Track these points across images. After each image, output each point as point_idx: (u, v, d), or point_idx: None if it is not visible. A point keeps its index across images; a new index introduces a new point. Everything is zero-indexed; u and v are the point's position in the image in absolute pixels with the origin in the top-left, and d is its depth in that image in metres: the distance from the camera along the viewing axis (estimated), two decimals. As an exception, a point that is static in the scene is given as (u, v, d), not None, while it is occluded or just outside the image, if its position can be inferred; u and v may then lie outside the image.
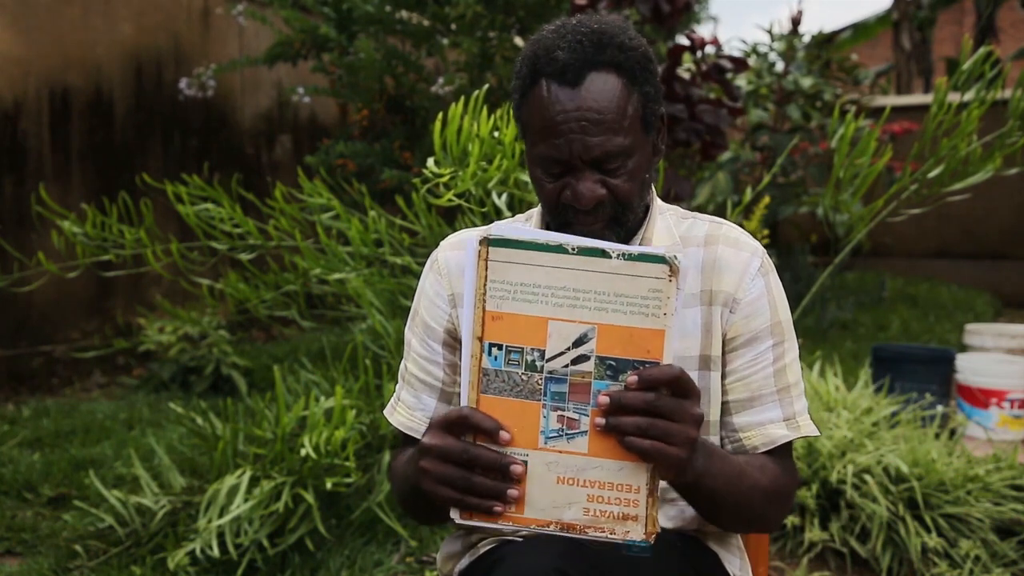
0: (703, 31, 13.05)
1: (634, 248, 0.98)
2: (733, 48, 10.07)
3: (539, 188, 1.23)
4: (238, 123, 5.90)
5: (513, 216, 1.47)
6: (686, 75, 4.38)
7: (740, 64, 4.50)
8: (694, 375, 1.24)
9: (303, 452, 2.43)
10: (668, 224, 1.30)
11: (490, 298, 1.01)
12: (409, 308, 1.42)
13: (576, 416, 1.00)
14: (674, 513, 1.27)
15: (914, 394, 3.46)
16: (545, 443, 1.01)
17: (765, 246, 1.35)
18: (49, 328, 4.82)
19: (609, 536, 1.03)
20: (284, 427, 2.47)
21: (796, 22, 6.54)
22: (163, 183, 3.16)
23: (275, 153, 6.17)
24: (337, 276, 2.81)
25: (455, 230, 2.72)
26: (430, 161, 2.33)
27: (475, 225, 2.58)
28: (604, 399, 1.00)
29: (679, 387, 1.01)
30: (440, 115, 2.31)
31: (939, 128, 2.78)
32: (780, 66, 6.75)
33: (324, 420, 2.56)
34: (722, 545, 1.32)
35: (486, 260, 1.00)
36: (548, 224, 1.27)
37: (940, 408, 3.50)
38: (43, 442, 3.70)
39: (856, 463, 2.72)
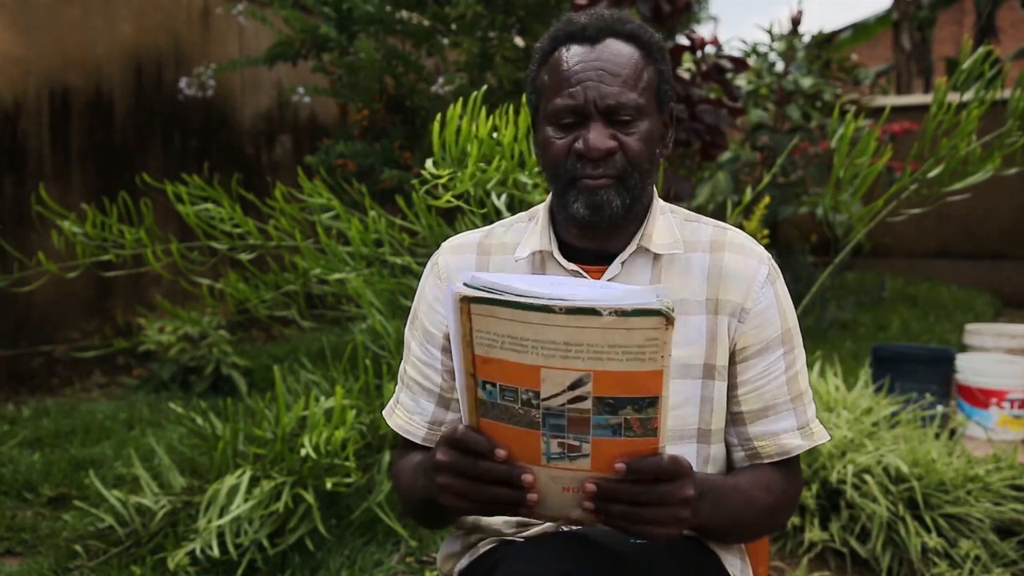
0: (703, 31, 13.05)
1: (626, 303, 0.91)
2: (733, 48, 10.07)
3: (548, 149, 1.23)
4: (238, 123, 5.90)
5: (512, 216, 1.47)
6: (686, 75, 4.38)
7: (740, 64, 4.50)
8: (697, 383, 1.24)
9: (303, 452, 2.43)
10: (670, 223, 1.29)
11: (477, 344, 0.96)
12: (409, 308, 1.42)
13: (577, 443, 0.98)
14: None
15: (914, 394, 3.46)
16: (547, 462, 1.00)
17: (765, 246, 1.35)
18: (49, 328, 4.82)
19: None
20: (284, 427, 2.47)
21: (796, 22, 6.54)
22: (163, 183, 3.16)
23: (275, 153, 6.17)
24: (337, 276, 2.81)
25: (455, 230, 2.73)
26: (428, 162, 2.33)
27: (475, 225, 2.58)
28: (591, 487, 0.98)
29: (669, 474, 0.99)
30: (439, 116, 2.31)
31: (939, 128, 2.78)
32: (780, 66, 6.75)
33: (324, 420, 2.56)
34: (722, 546, 1.32)
35: (468, 314, 0.95)
36: (554, 199, 1.25)
37: (940, 408, 3.50)
38: (43, 442, 3.70)
39: (856, 463, 2.72)
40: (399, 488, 1.34)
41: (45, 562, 2.56)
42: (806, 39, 6.86)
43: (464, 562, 1.33)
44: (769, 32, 6.67)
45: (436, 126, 2.28)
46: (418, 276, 2.81)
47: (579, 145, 1.19)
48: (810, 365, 3.57)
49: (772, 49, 6.71)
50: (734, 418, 1.27)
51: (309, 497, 2.44)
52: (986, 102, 2.79)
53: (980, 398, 3.51)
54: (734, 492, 1.19)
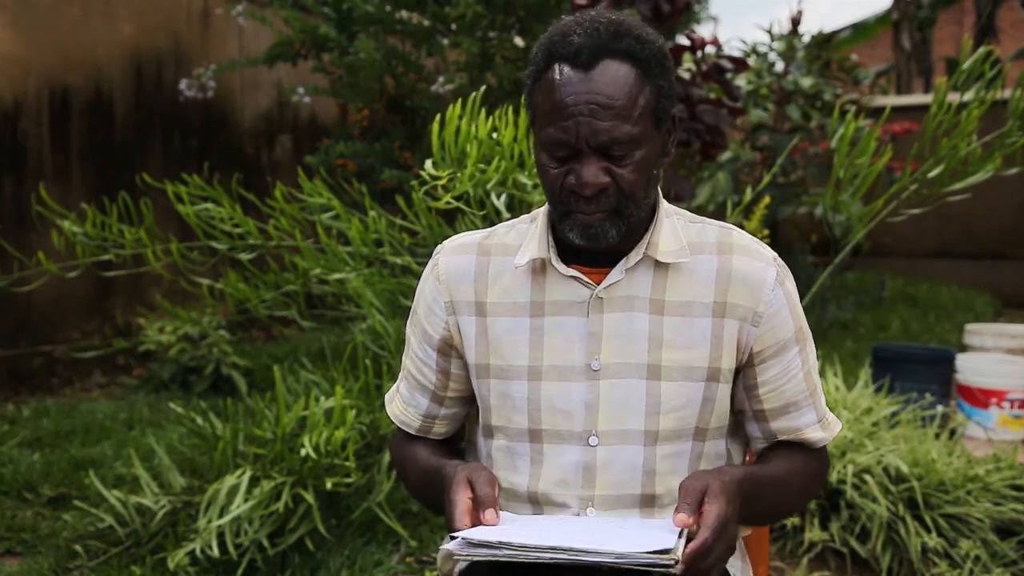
0: (703, 31, 13.05)
1: (630, 560, 0.99)
2: (733, 48, 10.07)
3: (543, 175, 1.21)
4: (238, 123, 5.90)
5: (512, 217, 1.47)
6: (686, 75, 4.38)
7: (740, 64, 4.50)
8: (700, 386, 1.24)
9: (303, 452, 2.43)
10: (675, 227, 1.27)
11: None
12: (409, 307, 1.42)
13: None
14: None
15: (914, 394, 3.46)
16: None
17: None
18: (49, 328, 4.82)
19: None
20: (284, 427, 2.47)
21: (796, 22, 6.54)
22: (163, 183, 3.16)
23: (275, 153, 6.17)
24: (337, 276, 2.80)
25: (455, 230, 2.73)
26: (428, 163, 2.32)
27: (475, 225, 2.57)
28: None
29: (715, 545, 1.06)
30: (439, 116, 2.31)
31: (939, 128, 2.78)
32: (780, 66, 6.75)
33: (324, 420, 2.56)
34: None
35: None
36: (552, 216, 1.26)
37: (940, 408, 3.50)
38: (43, 442, 3.70)
39: (856, 463, 2.71)
40: (402, 475, 1.41)
41: (45, 562, 2.56)
42: (806, 39, 6.86)
43: (464, 562, 1.33)
44: (769, 32, 6.66)
45: (436, 127, 2.28)
46: (418, 276, 2.80)
47: (571, 180, 1.17)
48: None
49: (772, 49, 6.71)
50: (756, 415, 1.30)
51: (309, 497, 2.44)
52: (986, 102, 2.79)
53: (980, 398, 3.51)
54: (771, 483, 1.23)
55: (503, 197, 2.60)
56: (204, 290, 3.38)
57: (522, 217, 1.37)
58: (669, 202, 1.33)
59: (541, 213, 1.31)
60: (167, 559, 2.41)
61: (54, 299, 4.74)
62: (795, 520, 2.71)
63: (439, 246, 1.37)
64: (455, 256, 1.33)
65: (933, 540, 2.52)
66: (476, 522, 1.12)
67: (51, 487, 3.16)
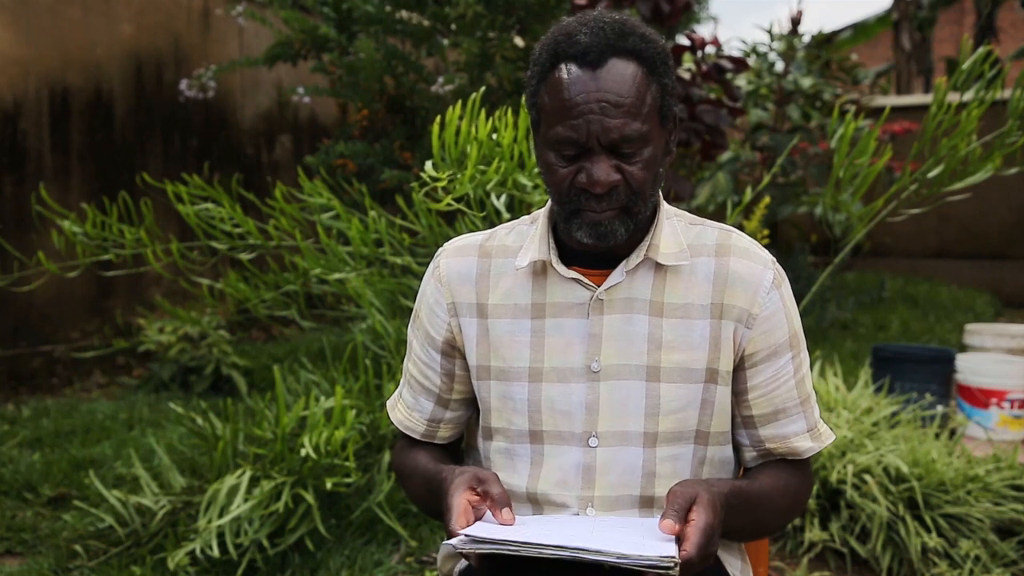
0: (703, 31, 13.04)
1: (631, 561, 0.99)
2: (733, 48, 10.07)
3: (550, 174, 1.20)
4: (238, 123, 5.90)
5: (512, 219, 1.47)
6: (686, 75, 4.38)
7: (740, 64, 4.50)
8: (699, 387, 1.24)
9: (303, 452, 2.43)
10: (675, 230, 1.27)
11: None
12: (409, 308, 1.43)
13: None
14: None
15: (914, 394, 3.46)
16: None
17: (765, 246, 1.35)
18: (49, 328, 4.82)
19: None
20: (284, 427, 2.47)
21: (796, 22, 6.54)
22: (163, 183, 3.16)
23: (275, 153, 6.17)
24: (337, 276, 2.81)
25: (455, 230, 2.73)
26: (428, 164, 2.32)
27: (475, 226, 2.57)
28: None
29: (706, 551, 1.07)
30: (439, 117, 2.31)
31: (939, 128, 2.78)
32: (780, 66, 6.75)
33: (324, 420, 2.56)
34: (722, 546, 1.32)
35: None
36: (557, 217, 1.25)
37: (940, 408, 3.50)
38: (43, 442, 3.70)
39: (856, 463, 2.71)
40: (404, 484, 1.39)
41: (45, 562, 2.56)
42: (806, 39, 6.86)
43: (464, 562, 1.33)
44: (769, 32, 6.67)
45: (436, 127, 2.27)
46: (418, 276, 2.81)
47: (582, 178, 1.17)
48: (810, 365, 3.57)
49: (772, 49, 6.71)
50: (745, 421, 1.29)
51: (309, 497, 2.44)
52: (986, 102, 2.79)
53: (980, 398, 3.51)
54: (757, 499, 1.23)
55: (503, 198, 2.59)
56: (204, 290, 3.38)
57: (522, 219, 1.37)
58: (669, 202, 1.33)
59: (542, 215, 1.31)
60: (167, 559, 2.41)
61: (54, 299, 4.74)
62: (795, 520, 2.71)
63: (441, 248, 1.37)
64: (456, 258, 1.33)
65: (933, 540, 2.52)
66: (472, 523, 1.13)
67: (51, 487, 3.16)
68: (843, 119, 3.57)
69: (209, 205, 3.07)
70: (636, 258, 1.23)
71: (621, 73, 1.15)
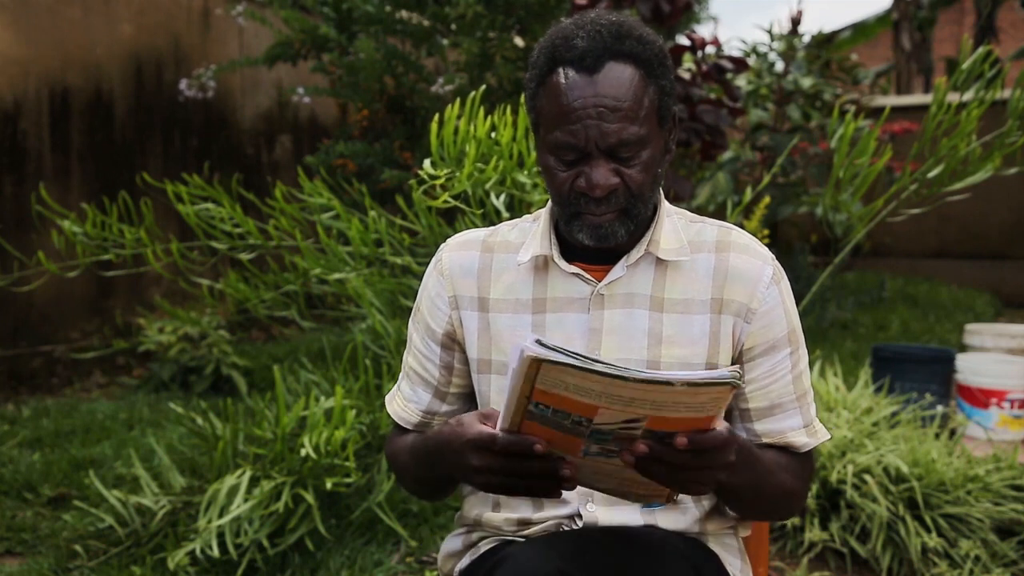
0: (703, 31, 13.04)
1: (697, 375, 0.95)
2: (733, 48, 10.08)
3: (550, 177, 1.22)
4: (238, 123, 5.90)
5: (512, 217, 1.47)
6: (686, 75, 4.38)
7: (740, 64, 4.50)
8: None
9: (303, 452, 2.43)
10: (676, 227, 1.29)
11: (538, 387, 0.96)
12: (409, 307, 1.43)
13: (618, 448, 1.01)
14: (675, 515, 1.27)
15: (914, 394, 3.46)
16: (584, 456, 1.03)
17: (766, 246, 1.35)
18: (49, 328, 4.82)
19: (633, 501, 1.09)
20: (284, 427, 2.47)
21: (796, 22, 6.54)
22: (163, 183, 3.16)
23: (275, 153, 6.17)
24: (337, 276, 2.81)
25: (455, 230, 2.72)
26: (427, 163, 2.32)
27: (475, 225, 2.57)
28: (643, 448, 1.00)
29: (721, 443, 1.02)
30: (437, 115, 2.31)
31: (939, 128, 2.78)
32: (780, 66, 6.75)
33: (324, 420, 2.56)
34: (722, 546, 1.32)
35: (536, 371, 0.94)
36: (558, 218, 1.26)
37: (940, 408, 3.50)
38: (43, 442, 3.70)
39: (856, 463, 2.72)
40: (397, 467, 1.38)
41: (45, 562, 2.56)
42: (806, 39, 6.86)
43: (465, 561, 1.33)
44: (769, 32, 6.67)
45: (434, 127, 2.28)
46: (418, 276, 2.81)
47: (581, 183, 1.18)
48: (810, 365, 3.57)
49: (772, 49, 6.71)
50: (742, 414, 1.29)
51: (309, 497, 2.44)
52: (986, 102, 2.79)
53: (980, 398, 3.51)
54: (757, 462, 1.21)
55: (502, 196, 2.59)
56: (204, 290, 3.38)
57: (525, 216, 1.39)
58: (669, 202, 1.34)
59: (544, 212, 1.33)
60: (167, 559, 2.41)
61: (54, 299, 4.74)
62: (795, 520, 2.71)
63: (443, 243, 1.38)
64: (459, 252, 1.34)
65: (933, 540, 2.52)
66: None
67: (51, 487, 3.16)
68: (843, 119, 3.57)
69: (209, 205, 3.07)
70: (637, 253, 1.25)
71: (618, 77, 1.16)
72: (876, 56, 13.53)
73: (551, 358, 0.93)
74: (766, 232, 3.55)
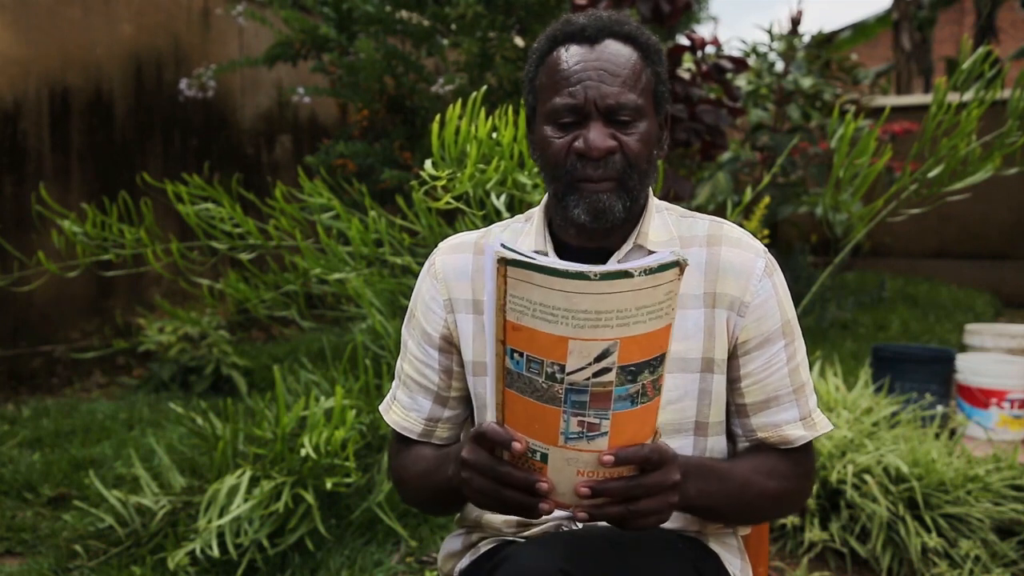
0: (703, 31, 13.04)
1: (652, 261, 0.94)
2: (733, 48, 10.08)
3: (547, 148, 1.22)
4: (238, 123, 5.90)
5: (512, 217, 1.47)
6: (686, 75, 4.38)
7: (740, 64, 4.50)
8: (695, 377, 1.25)
9: (303, 452, 2.43)
10: (665, 220, 1.30)
11: (510, 310, 0.96)
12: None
13: (596, 420, 0.99)
14: (675, 515, 1.27)
15: (914, 394, 3.46)
16: (565, 443, 1.01)
17: (766, 246, 1.35)
18: (49, 328, 4.82)
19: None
20: (284, 427, 2.47)
21: (796, 22, 6.54)
22: (163, 183, 3.16)
23: (275, 153, 6.17)
24: (337, 276, 2.81)
25: (455, 230, 2.73)
26: (428, 163, 2.32)
27: (475, 225, 2.58)
28: (585, 491, 1.01)
29: (653, 462, 1.02)
30: (438, 116, 2.31)
31: (939, 128, 2.78)
32: (780, 66, 6.75)
33: (324, 420, 2.56)
34: (722, 546, 1.32)
35: (504, 276, 0.95)
36: (553, 196, 1.26)
37: (940, 408, 3.50)
38: (43, 442, 3.70)
39: (856, 463, 2.72)
40: (403, 480, 1.36)
41: (45, 562, 2.56)
42: (806, 39, 6.86)
43: (465, 561, 1.33)
44: (769, 32, 6.66)
45: (435, 127, 2.28)
46: (417, 276, 2.80)
47: (579, 144, 1.19)
48: (810, 365, 3.57)
49: (772, 49, 6.71)
50: (738, 409, 1.28)
51: (309, 497, 2.44)
52: (986, 102, 2.79)
53: (980, 398, 3.51)
54: (728, 477, 1.20)
55: (503, 197, 2.60)
56: (204, 290, 3.38)
57: (516, 217, 1.39)
58: (669, 202, 1.35)
59: (536, 211, 1.33)
60: (167, 559, 2.41)
61: (54, 299, 4.74)
62: (795, 520, 2.71)
63: (436, 248, 1.38)
64: (452, 255, 1.34)
65: (933, 540, 2.52)
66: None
67: (51, 487, 3.16)
68: (843, 119, 3.58)
69: (209, 205, 3.07)
70: (627, 247, 1.26)
71: (617, 50, 1.21)
72: (876, 56, 13.54)
73: (513, 257, 0.93)
74: (766, 232, 3.55)
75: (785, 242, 7.41)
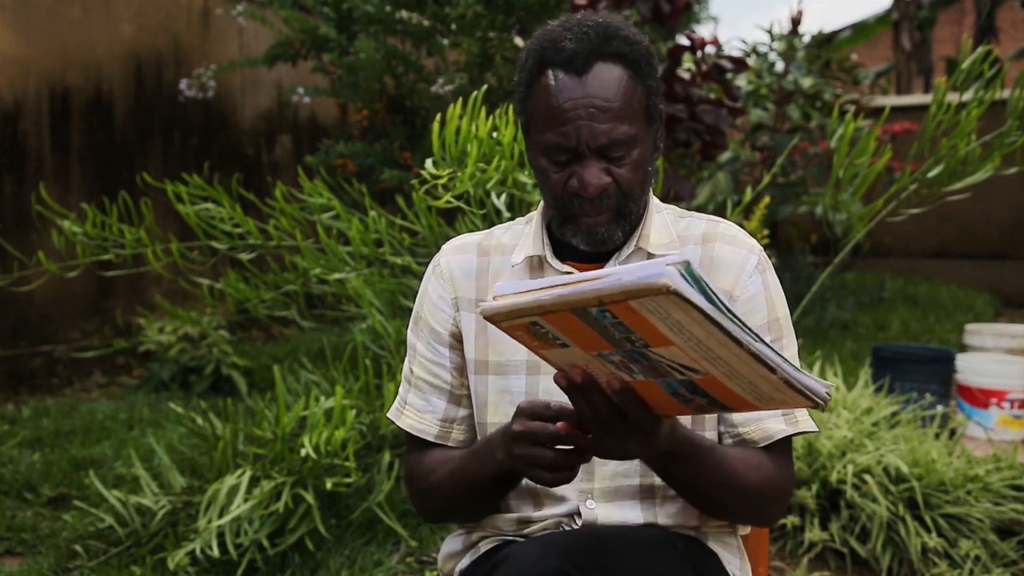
0: (703, 31, 13.04)
1: (798, 377, 0.91)
2: (733, 48, 10.07)
3: (544, 179, 1.24)
4: (238, 123, 5.90)
5: (513, 218, 1.48)
6: (686, 75, 4.38)
7: (740, 64, 4.50)
8: None
9: (303, 452, 2.43)
10: (665, 222, 1.31)
11: (641, 305, 0.85)
12: (409, 308, 1.43)
13: (633, 372, 0.96)
14: (673, 511, 1.27)
15: (914, 394, 3.46)
16: (597, 355, 0.96)
17: (765, 246, 1.36)
18: (49, 328, 4.82)
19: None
20: (284, 427, 2.47)
21: (796, 22, 6.54)
22: (163, 183, 3.16)
23: (275, 153, 6.17)
24: (337, 276, 2.81)
25: (455, 230, 2.73)
26: (428, 162, 2.33)
27: (475, 225, 2.58)
28: (577, 377, 0.99)
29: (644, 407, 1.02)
30: (439, 116, 2.31)
31: (938, 128, 2.78)
32: (780, 66, 6.75)
33: (324, 420, 2.56)
34: (722, 545, 1.32)
35: (660, 295, 0.83)
36: (551, 220, 1.28)
37: (940, 408, 3.50)
38: (43, 442, 3.70)
39: (856, 463, 2.72)
40: (429, 486, 1.32)
41: (45, 562, 2.56)
42: (806, 39, 6.86)
43: (465, 561, 1.33)
44: (769, 32, 6.66)
45: (436, 126, 2.28)
46: (418, 276, 2.81)
47: (574, 183, 1.20)
48: (810, 365, 3.57)
49: (772, 49, 6.71)
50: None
51: (309, 497, 2.44)
52: (986, 102, 2.79)
53: (980, 398, 3.51)
54: (719, 459, 1.19)
55: (503, 196, 2.60)
56: (204, 290, 3.38)
57: (518, 219, 1.40)
58: (669, 202, 1.36)
59: (535, 214, 1.34)
60: (167, 559, 2.41)
61: (54, 299, 4.74)
62: (795, 520, 2.71)
63: (439, 251, 1.38)
64: (456, 255, 1.35)
65: (933, 540, 2.52)
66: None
67: (51, 487, 3.16)
68: (843, 119, 3.57)
69: (209, 205, 3.07)
70: (628, 249, 1.27)
71: (607, 78, 1.18)
72: (876, 56, 13.53)
73: (688, 296, 0.82)
74: (766, 232, 3.55)
75: (785, 242, 7.41)
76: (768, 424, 1.26)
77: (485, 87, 2.58)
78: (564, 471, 1.10)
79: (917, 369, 3.64)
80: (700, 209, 5.35)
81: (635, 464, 1.24)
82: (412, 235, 2.93)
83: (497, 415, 1.28)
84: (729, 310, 0.86)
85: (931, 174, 2.81)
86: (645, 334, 0.90)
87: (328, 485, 2.41)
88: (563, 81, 1.18)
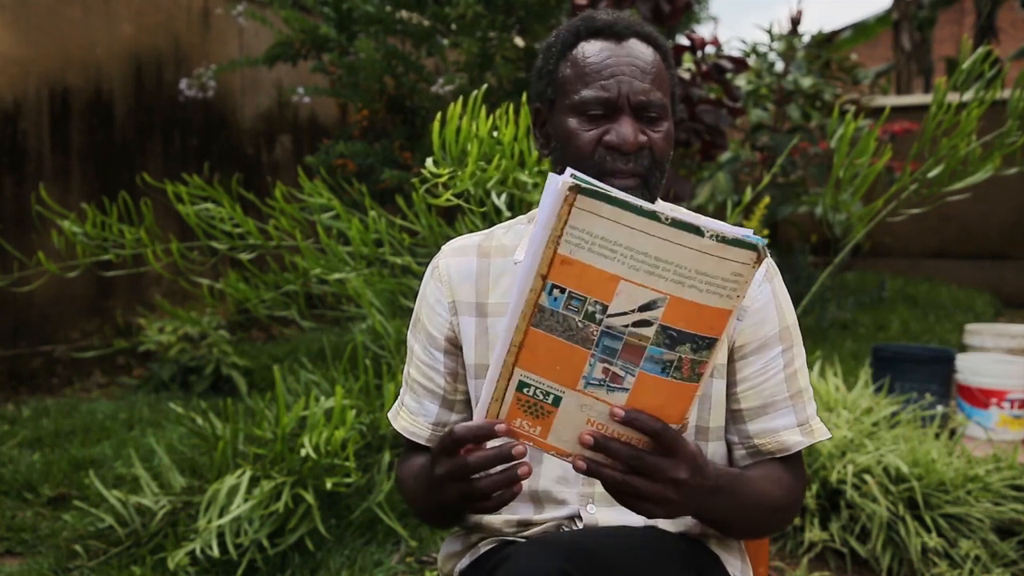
0: (703, 31, 13.04)
1: (728, 230, 0.91)
2: (733, 48, 10.08)
3: (573, 140, 1.22)
4: (238, 123, 5.90)
5: (513, 216, 1.47)
6: (686, 75, 4.38)
7: (740, 64, 4.50)
8: None
9: (303, 452, 2.43)
10: None
11: (564, 242, 0.92)
12: (409, 308, 1.42)
13: (622, 373, 0.96)
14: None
15: (914, 394, 3.46)
16: (584, 387, 0.98)
17: (765, 246, 1.35)
18: (49, 328, 4.82)
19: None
20: (284, 427, 2.47)
21: (796, 22, 6.54)
22: (163, 183, 3.16)
23: (275, 153, 6.17)
24: (337, 276, 2.81)
25: (455, 230, 2.73)
26: (428, 161, 2.33)
27: (475, 225, 2.58)
28: (588, 439, 0.98)
29: (663, 443, 0.99)
30: (439, 115, 2.31)
31: (939, 128, 2.78)
32: (780, 66, 6.75)
33: (324, 420, 2.56)
34: (723, 547, 1.32)
35: (571, 205, 0.90)
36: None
37: (940, 408, 3.50)
38: (43, 442, 3.70)
39: (856, 463, 2.72)
40: (405, 493, 1.34)
41: (45, 562, 2.56)
42: (806, 39, 6.86)
43: (465, 562, 1.33)
44: (769, 32, 6.67)
45: (436, 125, 2.28)
46: (418, 276, 2.81)
47: (611, 137, 1.20)
48: (810, 365, 3.57)
49: (772, 49, 6.71)
50: (734, 416, 1.27)
51: (309, 497, 2.44)
52: (986, 102, 2.79)
53: (980, 398, 3.51)
54: (748, 486, 1.18)
55: (503, 196, 2.60)
56: (204, 290, 3.38)
57: (519, 218, 1.38)
58: (669, 202, 1.35)
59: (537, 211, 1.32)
60: (167, 559, 2.41)
61: (54, 299, 4.74)
62: (795, 520, 2.72)
63: (439, 252, 1.37)
64: (456, 258, 1.33)
65: (933, 540, 2.52)
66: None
67: (51, 487, 3.16)
68: (843, 119, 3.57)
69: (209, 205, 3.07)
70: None
71: (644, 50, 1.23)
72: (876, 56, 13.54)
73: (585, 185, 0.89)
74: (766, 232, 3.55)
75: (785, 242, 7.41)
76: (784, 436, 1.26)
77: (485, 87, 2.58)
78: (503, 491, 1.04)
79: (917, 369, 3.64)
80: (700, 209, 5.35)
81: None
82: (412, 235, 2.93)
83: None
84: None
85: (931, 174, 2.81)
86: (594, 290, 0.93)
87: (328, 485, 2.41)
88: (603, 44, 1.22)
